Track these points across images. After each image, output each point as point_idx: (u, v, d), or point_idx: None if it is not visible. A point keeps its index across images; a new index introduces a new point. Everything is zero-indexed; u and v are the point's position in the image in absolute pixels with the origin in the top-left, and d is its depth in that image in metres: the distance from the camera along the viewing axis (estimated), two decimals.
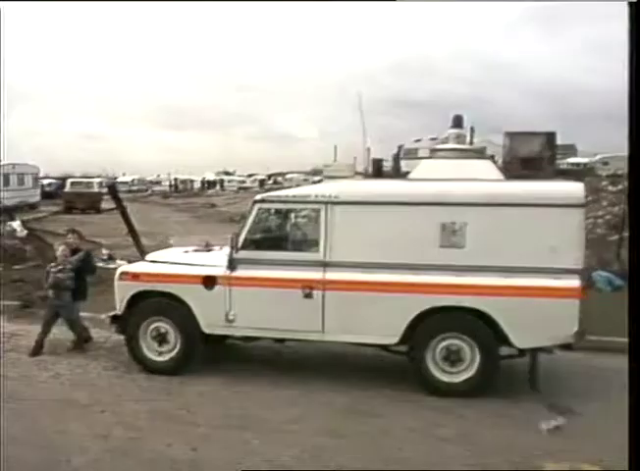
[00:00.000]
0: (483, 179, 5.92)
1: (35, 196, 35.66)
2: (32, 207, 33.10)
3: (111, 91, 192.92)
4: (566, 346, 5.59)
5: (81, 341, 7.44)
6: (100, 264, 12.89)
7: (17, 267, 12.25)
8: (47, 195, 39.97)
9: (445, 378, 5.87)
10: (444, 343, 5.85)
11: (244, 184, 73.19)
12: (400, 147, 35.18)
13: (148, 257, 7.06)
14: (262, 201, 6.37)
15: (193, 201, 44.26)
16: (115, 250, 14.57)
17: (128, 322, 6.63)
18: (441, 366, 5.87)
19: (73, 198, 33.98)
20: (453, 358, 5.84)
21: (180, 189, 67.14)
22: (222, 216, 28.96)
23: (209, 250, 7.09)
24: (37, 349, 7.25)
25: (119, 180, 66.66)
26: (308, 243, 6.35)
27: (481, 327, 5.70)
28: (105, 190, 30.60)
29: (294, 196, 6.30)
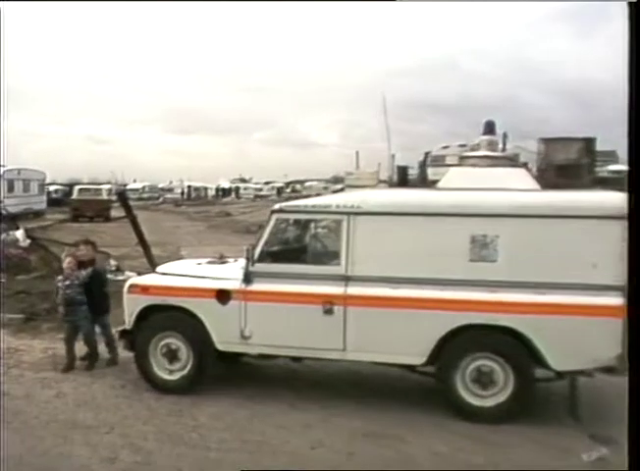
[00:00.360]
0: (516, 188, 5.89)
1: (41, 203, 36.19)
2: (38, 215, 33.57)
3: (119, 93, 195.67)
4: (608, 370, 5.46)
5: (94, 360, 7.49)
6: (108, 276, 13.02)
7: (20, 278, 12.42)
8: (54, 202, 40.54)
9: (475, 401, 5.81)
10: (474, 364, 5.80)
11: (261, 192, 73.64)
12: (426, 154, 35.08)
13: (159, 269, 7.11)
14: (280, 211, 6.41)
15: (207, 210, 44.61)
16: (124, 261, 14.70)
17: (137, 337, 6.69)
18: (471, 389, 5.82)
19: (80, 206, 34.42)
20: (484, 380, 5.78)
21: (193, 197, 67.74)
22: (237, 226, 29.15)
23: (223, 262, 7.13)
24: (68, 367, 7.39)
25: (129, 186, 67.39)
26: (329, 256, 6.36)
27: (515, 347, 5.64)
28: (115, 197, 31.01)
29: (314, 206, 6.32)
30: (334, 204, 6.19)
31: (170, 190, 72.32)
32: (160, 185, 76.54)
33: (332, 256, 6.26)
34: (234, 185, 79.55)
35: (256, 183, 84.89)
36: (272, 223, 6.40)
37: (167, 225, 30.29)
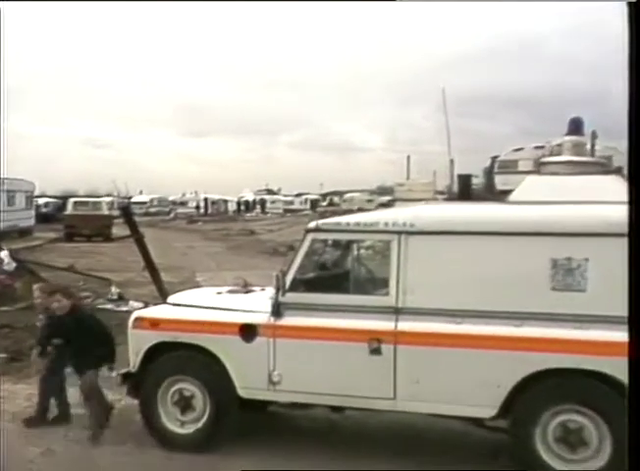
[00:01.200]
0: (609, 200, 5.79)
1: (29, 219, 37.04)
2: (25, 233, 34.31)
3: (123, 87, 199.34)
4: None
5: (100, 426, 7.03)
6: (108, 306, 13.24)
7: (3, 309, 12.59)
8: (44, 218, 41.46)
9: (561, 466, 5.66)
10: (558, 419, 5.67)
11: (292, 206, 74.22)
12: (494, 159, 34.84)
13: (171, 299, 7.21)
14: (317, 230, 6.48)
15: (227, 227, 45.14)
16: (128, 289, 14.93)
17: (143, 382, 6.76)
18: (555, 450, 5.66)
19: (76, 222, 35.10)
20: (572, 440, 5.62)
21: (210, 212, 68.52)
22: (264, 246, 29.42)
23: (248, 292, 7.20)
24: (34, 421, 7.33)
25: (134, 199, 68.56)
26: (376, 284, 6.39)
27: (609, 397, 5.49)
28: (117, 213, 31.50)
29: (358, 224, 6.39)
30: (381, 221, 6.25)
31: (183, 204, 73.45)
32: (171, 198, 77.69)
33: (379, 284, 6.28)
34: (258, 198, 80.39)
35: (286, 196, 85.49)
36: (306, 244, 6.48)
37: (179, 245, 30.70)
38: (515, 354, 5.65)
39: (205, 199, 72.97)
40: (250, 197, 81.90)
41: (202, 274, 19.60)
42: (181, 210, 69.41)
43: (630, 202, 2.23)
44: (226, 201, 76.38)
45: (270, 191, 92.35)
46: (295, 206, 74.48)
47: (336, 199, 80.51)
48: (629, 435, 2.22)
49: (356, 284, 6.56)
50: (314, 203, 76.39)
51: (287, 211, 69.77)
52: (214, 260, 24.67)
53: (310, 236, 6.47)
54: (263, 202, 76.58)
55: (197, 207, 70.65)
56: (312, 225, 6.58)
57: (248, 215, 67.31)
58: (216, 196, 76.40)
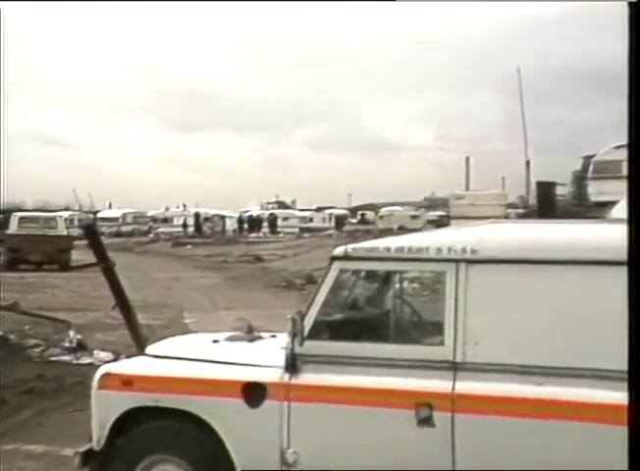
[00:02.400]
0: None
1: None
2: None
3: (88, 67, 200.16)
4: None
5: None
6: (64, 357, 13.25)
7: None
8: None
9: None
10: None
11: (311, 224, 74.45)
12: (587, 159, 34.48)
13: (150, 349, 7.23)
14: (345, 257, 6.48)
15: (226, 252, 45.25)
16: (92, 334, 14.97)
17: (111, 463, 6.74)
18: None
19: (21, 245, 35.24)
20: None
21: (203, 232, 68.70)
22: (274, 278, 29.47)
23: (253, 339, 7.24)
24: None
25: (101, 214, 68.97)
26: (425, 330, 6.43)
27: None
28: (78, 232, 31.53)
29: (401, 249, 6.34)
30: (433, 246, 6.22)
31: (166, 221, 73.74)
32: (151, 213, 78.14)
33: (430, 330, 6.31)
34: (267, 213, 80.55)
35: (303, 210, 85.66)
36: (332, 275, 6.49)
37: (162, 276, 30.79)
38: (625, 429, 5.57)
39: (196, 215, 73.29)
40: (256, 212, 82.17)
41: (192, 314, 19.64)
42: (164, 229, 69.73)
43: (630, 202, 2.58)
44: (223, 217, 76.74)
45: (282, 205, 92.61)
46: (316, 224, 74.75)
47: (369, 215, 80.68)
48: (630, 434, 2.68)
49: (399, 329, 6.56)
50: (341, 220, 76.68)
51: (304, 230, 69.99)
52: (208, 296, 24.70)
53: (337, 266, 6.48)
54: (273, 219, 76.84)
55: (185, 225, 70.73)
56: (339, 250, 6.57)
57: (253, 235, 67.48)
58: (211, 211, 76.77)
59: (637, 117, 2.43)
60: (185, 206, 78.27)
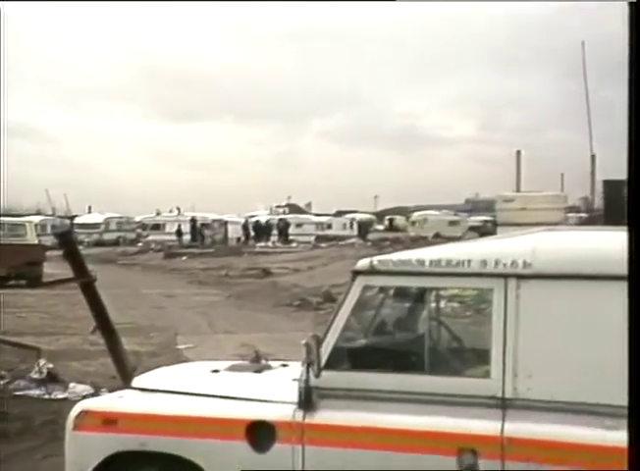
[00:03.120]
0: None
1: None
2: None
3: (63, 46, 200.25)
4: None
5: None
6: (33, 392, 13.21)
7: None
8: None
9: None
10: None
11: (329, 232, 74.35)
12: None
13: (137, 381, 7.23)
14: (371, 272, 6.45)
15: (228, 264, 45.19)
16: (68, 363, 14.93)
17: None
18: None
19: None
20: None
21: (202, 240, 68.72)
22: (285, 296, 29.41)
23: (260, 369, 7.24)
24: None
25: (80, 220, 68.88)
26: (467, 359, 6.42)
27: None
28: (52, 241, 31.54)
29: (437, 263, 6.30)
30: (476, 259, 6.18)
31: (157, 228, 73.76)
32: (138, 218, 78.09)
33: (472, 359, 6.31)
34: (277, 218, 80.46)
35: (319, 215, 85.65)
36: (355, 293, 6.45)
37: (151, 293, 30.80)
38: None
39: (192, 220, 73.14)
40: (264, 217, 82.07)
41: (187, 338, 19.57)
42: (154, 237, 69.76)
43: (630, 203, 2.70)
44: (225, 223, 76.47)
45: (295, 208, 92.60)
46: (335, 231, 74.63)
47: (399, 221, 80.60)
48: (630, 434, 2.78)
49: (435, 358, 6.55)
50: (365, 227, 76.59)
51: (321, 239, 69.85)
52: (206, 316, 24.64)
53: (361, 282, 6.44)
54: (284, 225, 76.57)
55: (180, 232, 70.82)
56: (364, 263, 6.52)
57: (261, 245, 67.37)
58: (210, 215, 76.62)
59: (637, 117, 2.56)
60: (179, 210, 78.16)
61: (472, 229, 67.08)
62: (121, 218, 76.19)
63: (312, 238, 70.83)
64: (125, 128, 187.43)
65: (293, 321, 21.53)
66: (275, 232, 74.95)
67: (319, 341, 6.32)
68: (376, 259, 6.55)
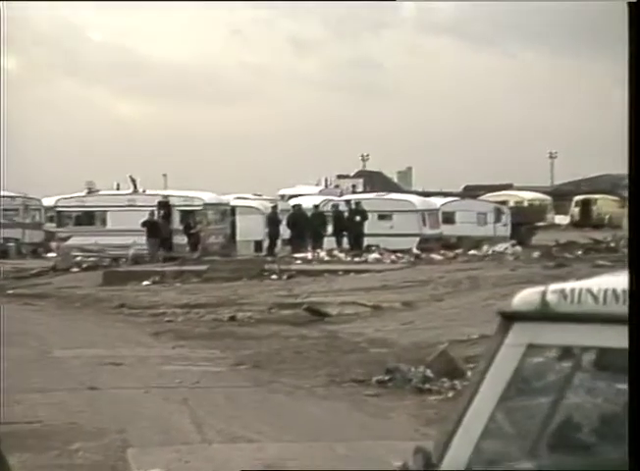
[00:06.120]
0: None
1: None
2: None
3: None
4: None
5: None
6: None
7: None
8: None
9: None
10: None
11: (449, 229, 44.94)
12: None
13: None
14: (542, 316, 4.71)
15: (234, 296, 29.72)
16: None
17: None
18: None
19: None
20: None
21: (192, 245, 45.70)
22: (354, 361, 19.18)
23: None
24: None
25: None
26: None
27: None
28: None
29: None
30: None
31: (90, 221, 47.40)
32: (47, 201, 51.08)
33: None
34: (337, 201, 52.91)
35: (427, 194, 62.37)
36: (509, 357, 4.74)
37: (75, 355, 20.43)
38: None
39: (162, 205, 46.87)
40: (311, 200, 53.22)
41: (148, 456, 12.45)
42: (82, 240, 45.55)
43: (630, 204, 3.14)
44: (233, 211, 49.71)
45: (375, 180, 73.09)
46: (462, 229, 50.95)
47: (603, 203, 64.74)
48: (630, 434, 3.30)
49: None
50: (528, 219, 54.48)
51: (432, 244, 48.83)
52: (188, 408, 15.53)
53: (521, 335, 4.59)
54: (355, 216, 49.18)
55: (153, 230, 42.23)
56: (527, 298, 4.61)
57: (304, 256, 43.04)
58: (203, 196, 49.26)
59: (637, 117, 2.84)
60: (134, 183, 49.89)
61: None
62: (12, 199, 50.29)
63: (413, 243, 47.79)
64: (66, 94, 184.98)
65: (373, 417, 14.35)
66: (330, 228, 49.54)
67: (430, 462, 4.18)
68: (552, 289, 4.52)
